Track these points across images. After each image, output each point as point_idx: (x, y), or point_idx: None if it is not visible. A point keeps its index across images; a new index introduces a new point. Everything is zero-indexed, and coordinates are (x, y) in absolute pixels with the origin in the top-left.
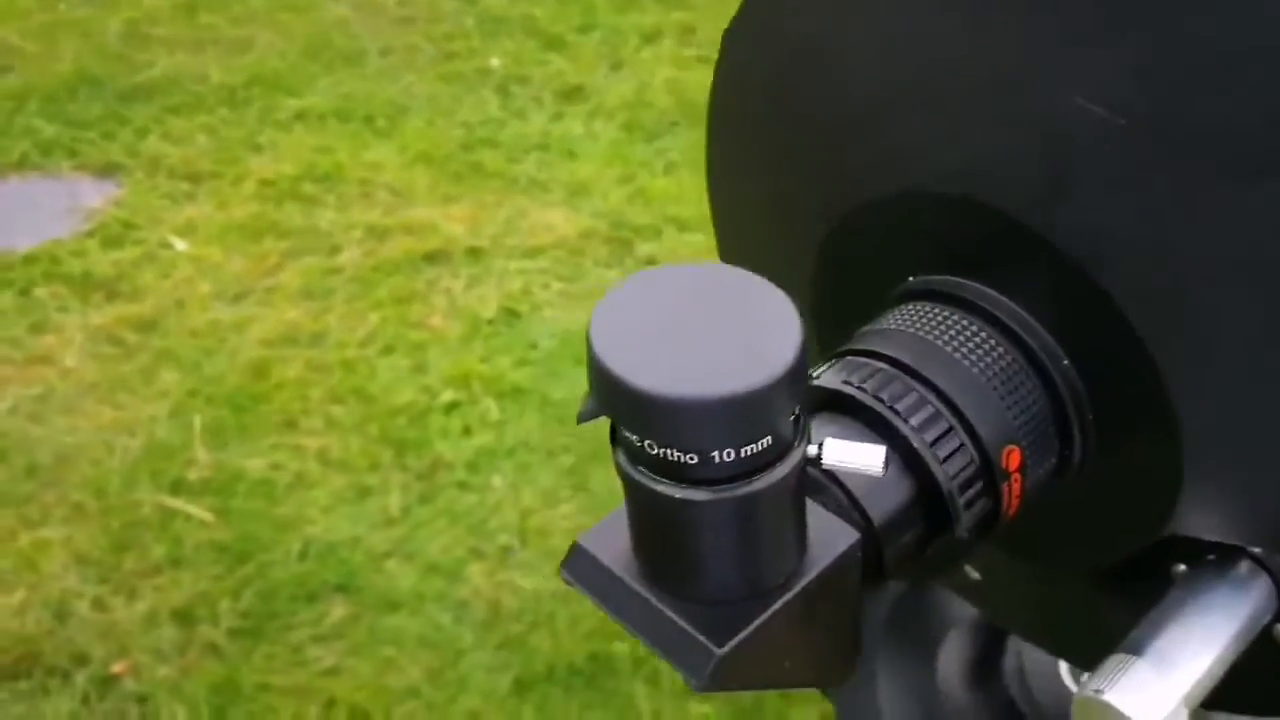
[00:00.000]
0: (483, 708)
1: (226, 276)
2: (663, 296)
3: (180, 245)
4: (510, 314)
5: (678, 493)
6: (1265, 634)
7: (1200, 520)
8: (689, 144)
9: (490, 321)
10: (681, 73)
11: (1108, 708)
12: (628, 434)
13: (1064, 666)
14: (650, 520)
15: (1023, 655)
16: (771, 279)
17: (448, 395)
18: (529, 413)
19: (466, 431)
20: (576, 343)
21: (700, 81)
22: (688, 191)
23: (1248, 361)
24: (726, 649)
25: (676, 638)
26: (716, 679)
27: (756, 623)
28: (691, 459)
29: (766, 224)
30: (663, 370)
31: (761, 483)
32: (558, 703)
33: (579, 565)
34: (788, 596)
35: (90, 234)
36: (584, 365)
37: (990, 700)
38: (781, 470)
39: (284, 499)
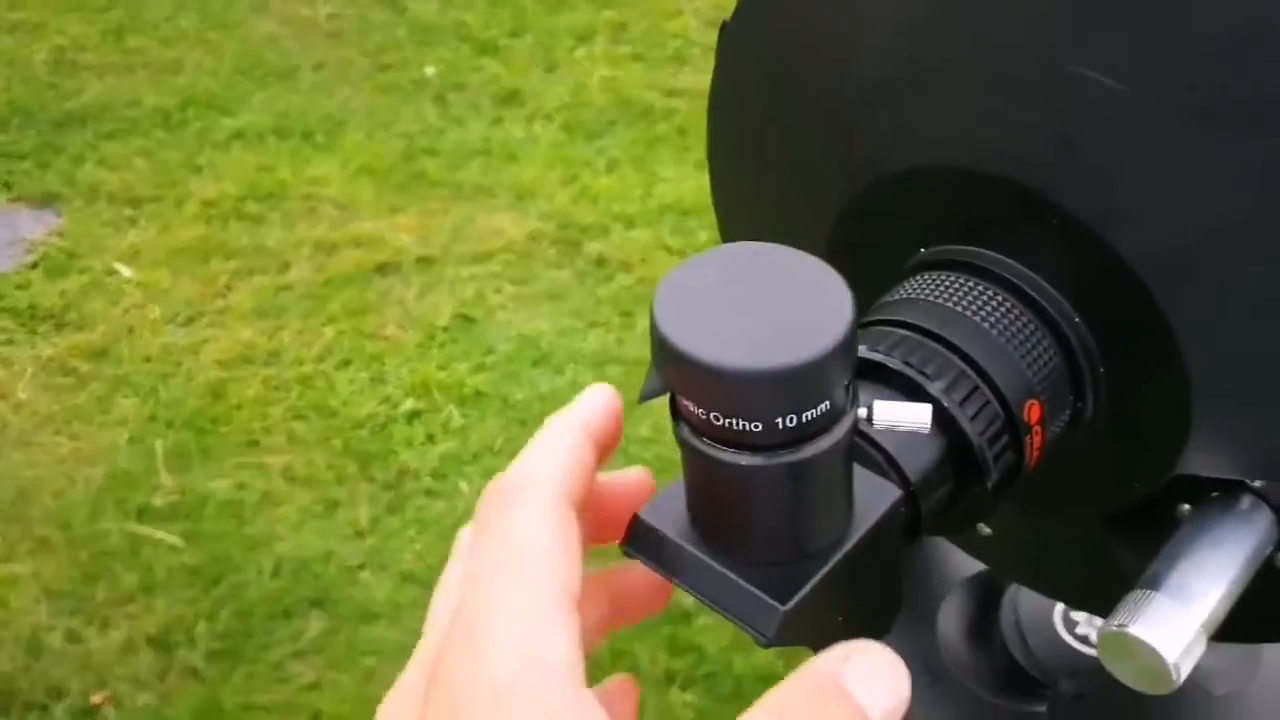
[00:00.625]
0: None
1: (176, 300)
2: (719, 276)
3: (126, 272)
4: (465, 320)
5: (743, 460)
6: (1268, 564)
7: (1206, 460)
8: (629, 141)
9: (445, 329)
10: (616, 71)
11: (1134, 640)
12: (692, 406)
13: (1057, 617)
14: (712, 489)
15: (1019, 609)
16: None
17: (408, 404)
18: (490, 416)
19: (430, 439)
20: (532, 345)
21: (636, 78)
22: (631, 188)
23: (1249, 308)
24: (790, 605)
25: (742, 598)
26: (782, 634)
27: (816, 579)
28: (756, 427)
29: (776, 210)
30: (726, 344)
31: (820, 445)
32: None
33: (640, 538)
34: (842, 552)
35: (33, 265)
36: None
37: (989, 655)
38: (838, 433)
39: (252, 518)
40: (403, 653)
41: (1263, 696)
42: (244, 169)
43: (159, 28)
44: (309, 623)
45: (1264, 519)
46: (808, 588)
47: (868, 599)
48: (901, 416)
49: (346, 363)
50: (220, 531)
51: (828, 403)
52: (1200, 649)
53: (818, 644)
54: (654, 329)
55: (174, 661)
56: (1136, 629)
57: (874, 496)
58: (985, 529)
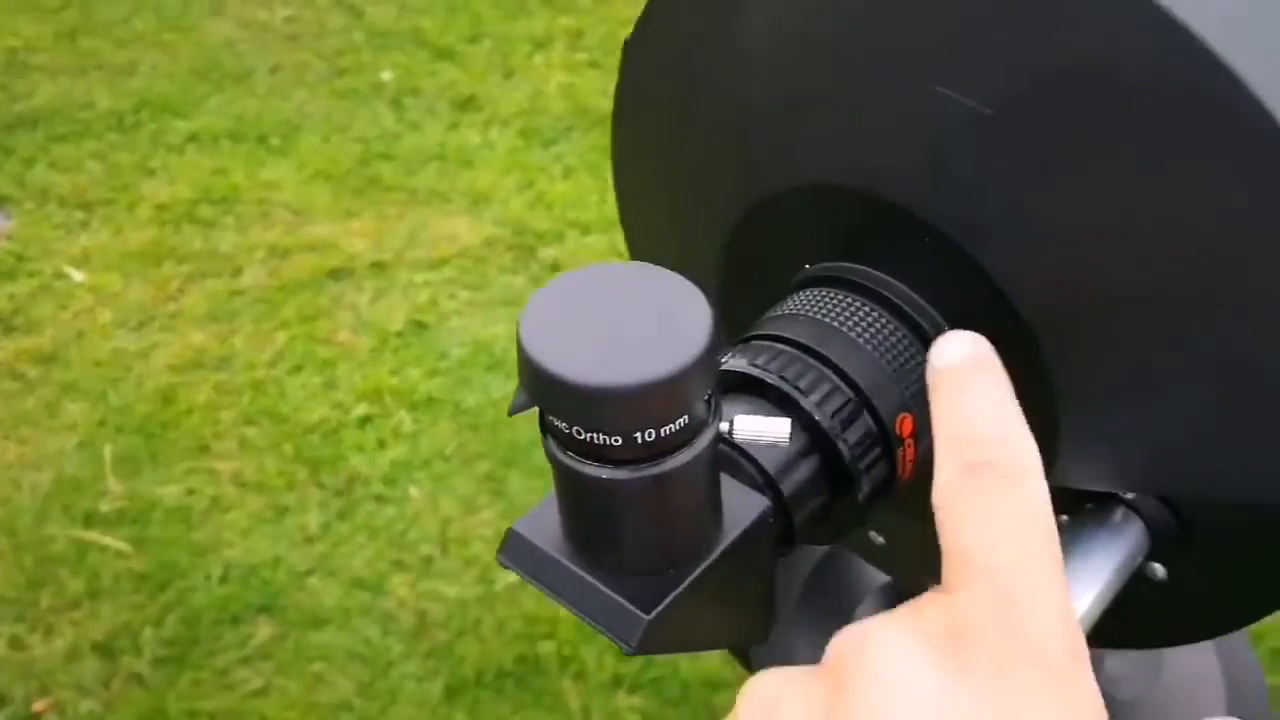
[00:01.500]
0: (415, 716)
1: (127, 304)
2: (585, 295)
3: (77, 275)
4: (418, 325)
5: (604, 473)
6: (1140, 573)
7: (1077, 472)
8: (585, 148)
9: (399, 334)
10: (573, 77)
11: None
12: (556, 421)
13: None
14: (579, 501)
15: None
16: (681, 272)
17: (360, 410)
18: (442, 422)
19: (381, 445)
20: (486, 351)
21: (593, 85)
22: (587, 195)
23: (1111, 323)
24: (653, 615)
25: (607, 608)
26: (646, 644)
27: (680, 589)
28: (616, 441)
29: (675, 221)
30: (584, 360)
31: (680, 459)
32: (489, 706)
33: (515, 549)
34: (707, 563)
35: None
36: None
37: None
38: (697, 446)
39: (201, 524)
40: (350, 658)
41: (1166, 701)
42: (198, 172)
43: (113, 29)
44: (257, 629)
45: (1135, 529)
46: (671, 597)
47: (739, 608)
48: (762, 430)
49: (298, 368)
50: (168, 537)
51: (686, 417)
52: None
53: (693, 651)
54: (519, 345)
55: (119, 668)
56: None
57: (742, 508)
58: (878, 538)
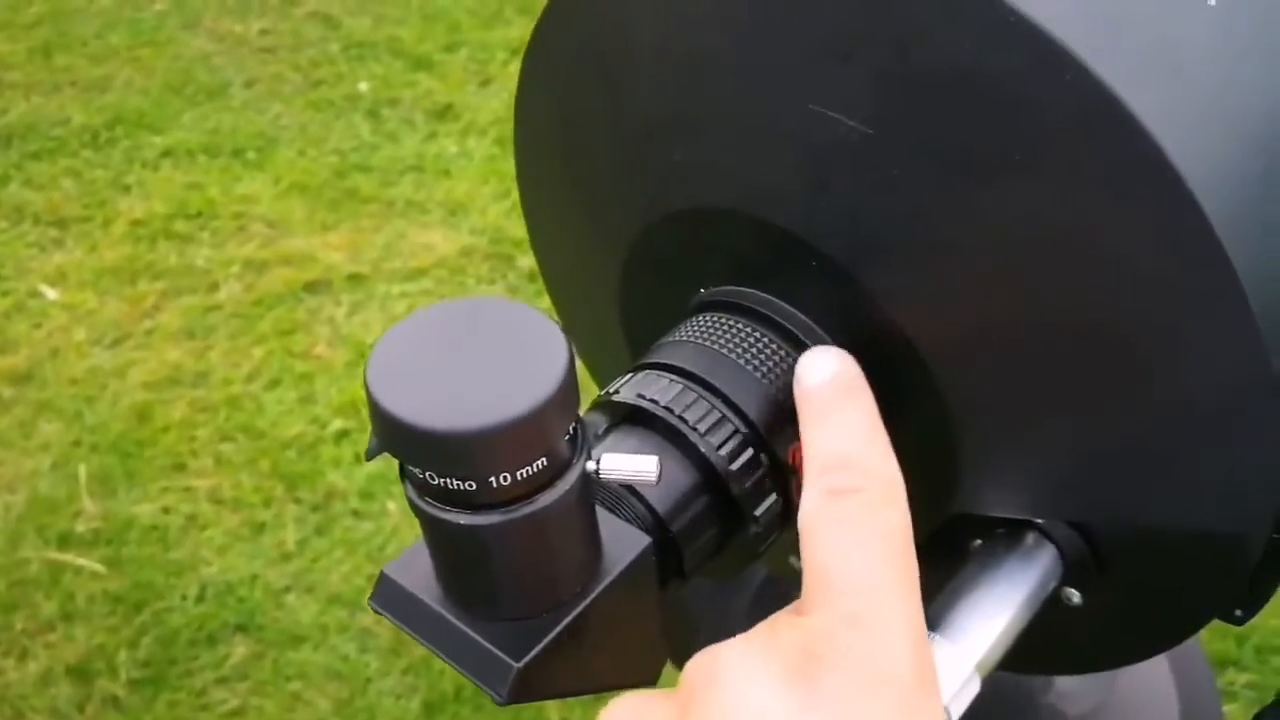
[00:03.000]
0: None
1: (102, 322)
2: (436, 334)
3: (51, 293)
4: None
5: (462, 519)
6: (1054, 598)
7: (983, 498)
8: None
9: (375, 347)
10: None
11: None
12: (410, 466)
13: None
14: (444, 547)
15: None
16: (585, 295)
17: (337, 424)
18: None
19: (358, 459)
20: None
21: None
22: None
23: (1000, 348)
24: (523, 663)
25: (478, 656)
26: (519, 692)
27: (551, 635)
28: (470, 486)
29: (575, 238)
30: (434, 404)
31: (542, 502)
32: None
33: (387, 594)
34: (581, 606)
35: None
36: None
37: None
38: (561, 488)
39: (177, 543)
40: (328, 676)
41: (1119, 716)
42: (173, 188)
43: (88, 45)
44: (233, 648)
45: (1048, 555)
46: (543, 644)
47: (626, 648)
48: (629, 467)
49: (275, 383)
50: (144, 557)
51: (545, 458)
52: (974, 688)
53: (576, 694)
54: (365, 389)
55: (94, 691)
56: None
57: (622, 546)
58: (797, 563)
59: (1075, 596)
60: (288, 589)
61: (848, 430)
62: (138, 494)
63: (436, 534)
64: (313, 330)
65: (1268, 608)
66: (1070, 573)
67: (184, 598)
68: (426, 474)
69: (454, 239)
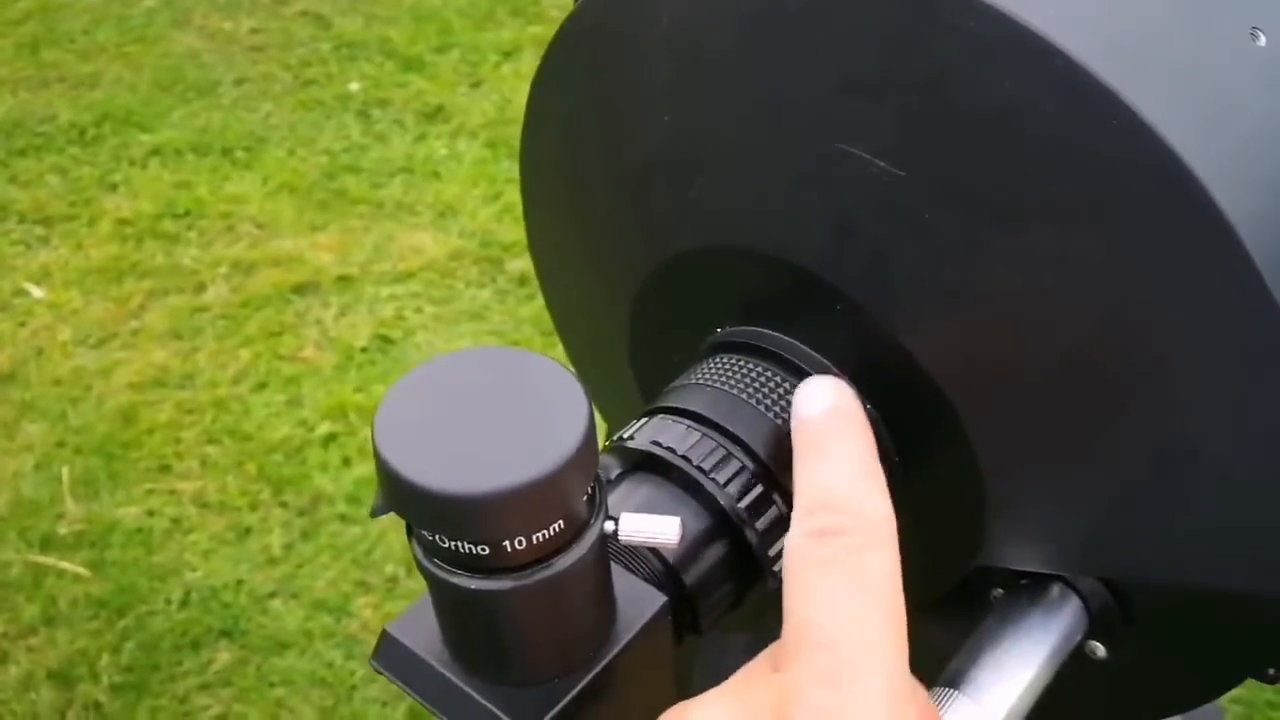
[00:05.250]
0: None
1: (88, 322)
2: (448, 386)
3: (37, 292)
4: (384, 341)
5: (473, 584)
6: (1079, 650)
7: (1008, 552)
8: None
9: (364, 350)
10: None
11: None
12: (419, 528)
13: None
14: (453, 610)
15: None
16: (593, 332)
17: (324, 428)
18: None
19: (346, 463)
20: None
21: None
22: None
23: (1030, 397)
24: None
25: None
26: None
27: (563, 702)
28: (483, 550)
29: (584, 278)
30: (442, 464)
31: (558, 566)
32: None
33: (390, 654)
34: (595, 671)
35: None
36: None
37: None
38: (577, 551)
39: (161, 546)
40: (313, 683)
41: None
42: (161, 186)
43: (76, 41)
44: (217, 653)
45: (1072, 607)
46: (555, 710)
47: (641, 707)
48: (649, 530)
49: (262, 385)
50: (128, 560)
51: (562, 521)
52: None
53: None
54: (374, 446)
55: (76, 696)
56: None
57: (638, 606)
58: None
59: (1101, 650)
60: (273, 594)
61: (839, 467)
62: (122, 496)
63: (444, 597)
64: (300, 332)
65: None
66: (1096, 626)
67: (168, 602)
68: (436, 536)
69: (443, 241)
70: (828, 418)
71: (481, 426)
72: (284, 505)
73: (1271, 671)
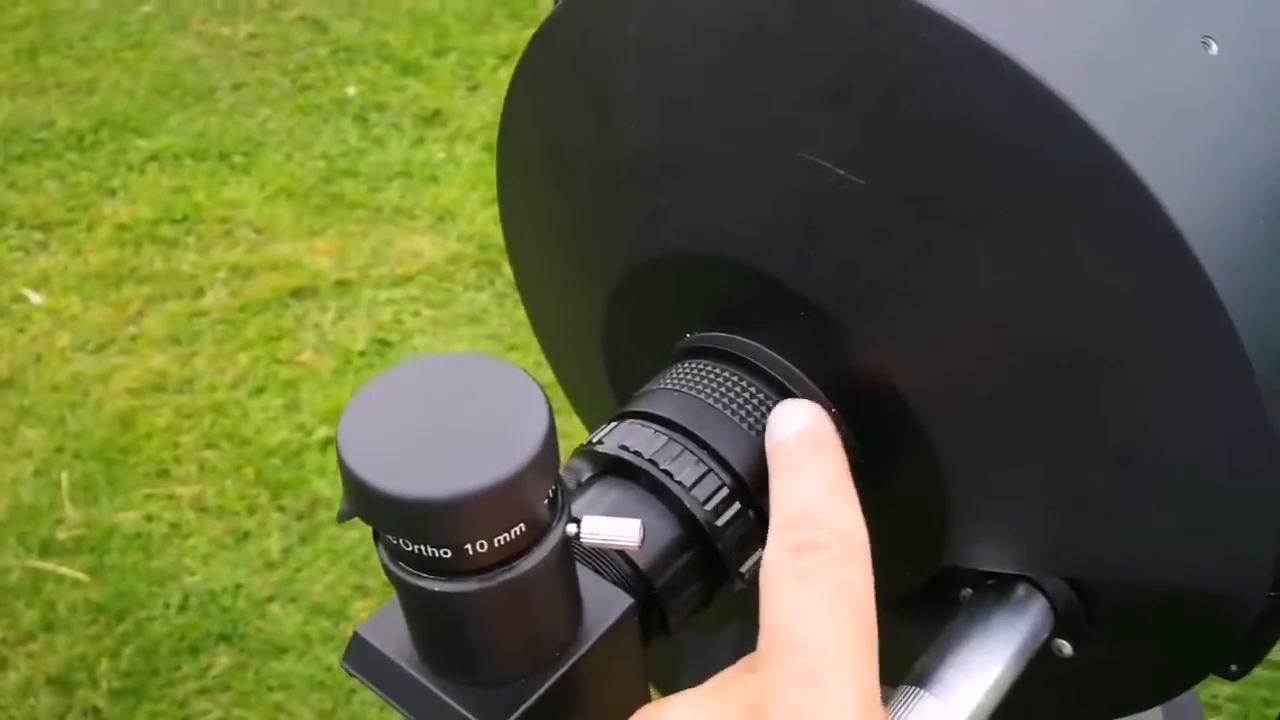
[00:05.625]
0: None
1: (86, 327)
2: (411, 394)
3: (35, 298)
4: (382, 344)
5: (437, 586)
6: (1046, 649)
7: (973, 553)
8: None
9: (362, 353)
10: None
11: None
12: (383, 533)
13: None
14: (419, 612)
15: None
16: (570, 336)
17: (322, 431)
18: None
19: None
20: None
21: None
22: None
23: (991, 401)
24: None
25: None
26: None
27: (530, 702)
28: (445, 554)
29: (560, 282)
30: (404, 469)
31: (521, 568)
32: None
33: (360, 656)
34: (561, 671)
35: None
36: None
37: None
38: (540, 554)
39: (160, 551)
40: (311, 687)
41: None
42: (159, 191)
43: (74, 47)
44: (216, 658)
45: (1038, 607)
46: (521, 710)
47: (608, 708)
48: (611, 532)
49: (261, 390)
50: (126, 565)
51: (523, 524)
52: None
53: None
54: (338, 453)
55: (75, 701)
56: None
57: (604, 607)
58: None
59: (1066, 648)
60: (271, 598)
61: (814, 486)
62: (120, 501)
63: (411, 599)
64: (299, 337)
65: None
66: (1061, 625)
67: (166, 607)
68: (400, 540)
69: (441, 245)
70: (802, 438)
71: (443, 432)
72: (282, 509)
73: (1234, 668)
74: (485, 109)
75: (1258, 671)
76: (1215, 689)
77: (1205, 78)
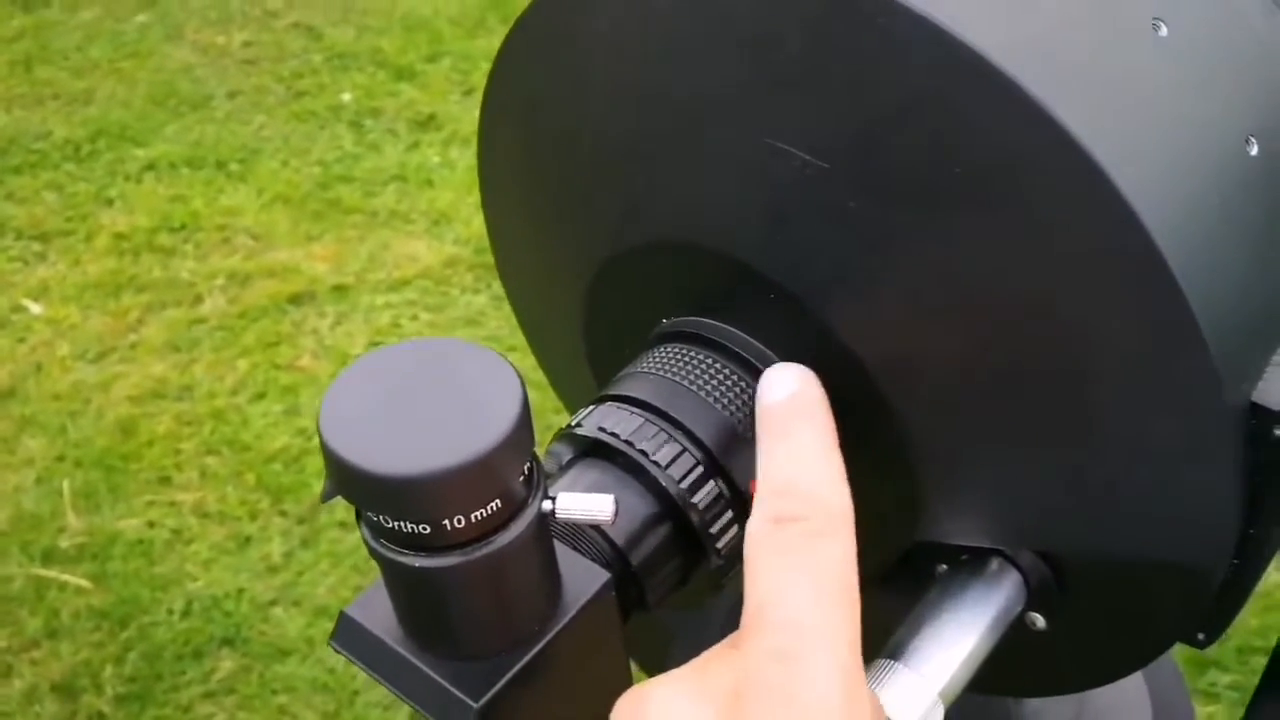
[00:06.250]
0: None
1: (86, 336)
2: (390, 376)
3: (35, 308)
4: (380, 348)
5: (418, 561)
6: (1019, 622)
7: (945, 527)
8: None
9: (359, 358)
10: None
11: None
12: (365, 510)
13: None
14: (402, 588)
15: None
16: (551, 324)
17: None
18: None
19: None
20: None
21: None
22: None
23: (956, 379)
24: (482, 703)
25: (437, 697)
26: None
27: (510, 674)
28: (424, 529)
29: (540, 271)
30: (383, 448)
31: (498, 543)
32: None
33: (347, 634)
34: (540, 645)
35: None
36: None
37: None
38: (516, 529)
39: (162, 557)
40: (315, 689)
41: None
42: (156, 200)
43: (69, 58)
44: (220, 662)
45: (1011, 580)
46: (502, 682)
47: (590, 683)
48: (584, 506)
49: (260, 395)
50: (129, 572)
51: (499, 500)
52: (939, 715)
53: None
54: (319, 432)
55: (79, 708)
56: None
57: (582, 582)
58: None
59: (1040, 621)
60: (274, 602)
61: (799, 454)
62: (122, 509)
63: (394, 576)
64: (297, 342)
65: (1247, 607)
66: (1034, 598)
67: (169, 612)
68: (381, 517)
69: (438, 249)
70: (791, 403)
71: (421, 412)
72: (283, 514)
73: (1201, 636)
74: (479, 113)
75: (1257, 660)
76: (1214, 677)
77: (1156, 58)
